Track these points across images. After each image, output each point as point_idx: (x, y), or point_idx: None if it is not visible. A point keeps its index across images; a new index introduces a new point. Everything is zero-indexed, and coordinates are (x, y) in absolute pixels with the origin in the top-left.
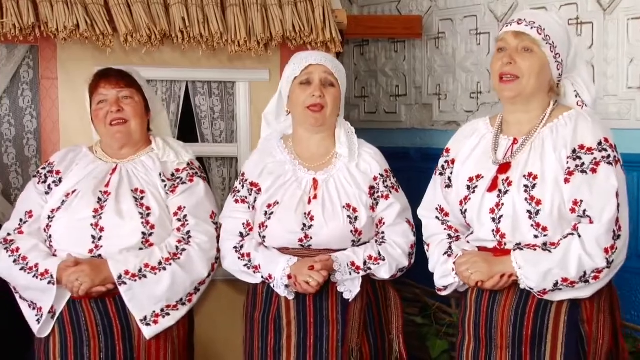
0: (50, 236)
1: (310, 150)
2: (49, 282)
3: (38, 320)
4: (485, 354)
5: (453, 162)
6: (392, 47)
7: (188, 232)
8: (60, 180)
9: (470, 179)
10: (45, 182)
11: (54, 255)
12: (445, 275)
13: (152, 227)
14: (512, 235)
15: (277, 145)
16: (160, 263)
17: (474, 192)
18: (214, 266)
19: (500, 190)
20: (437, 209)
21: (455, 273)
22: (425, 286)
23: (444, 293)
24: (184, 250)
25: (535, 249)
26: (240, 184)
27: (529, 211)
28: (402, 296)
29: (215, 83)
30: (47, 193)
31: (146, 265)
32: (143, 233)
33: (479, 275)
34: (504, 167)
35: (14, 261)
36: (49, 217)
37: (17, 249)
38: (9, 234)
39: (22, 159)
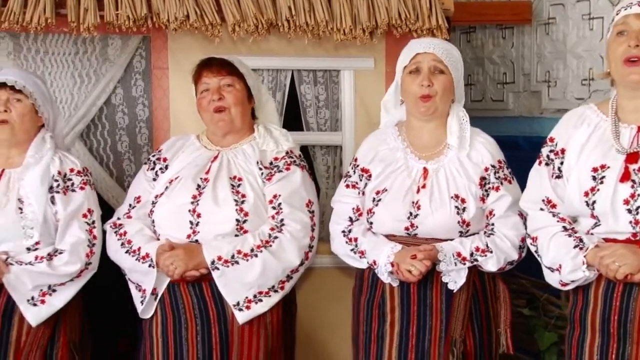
0: (153, 221)
1: (423, 139)
2: (149, 265)
3: (142, 302)
4: (618, 349)
5: (563, 151)
6: (500, 33)
7: (282, 220)
8: (166, 167)
9: (595, 169)
10: (153, 169)
11: (158, 239)
12: (575, 269)
13: (246, 214)
14: None
15: (391, 132)
16: (252, 250)
17: (602, 182)
18: (308, 255)
19: (634, 181)
20: (543, 200)
21: (586, 267)
22: (532, 277)
23: (567, 288)
24: (276, 237)
25: None
26: (352, 169)
27: None
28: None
29: (321, 71)
30: (154, 179)
31: (238, 252)
32: (237, 220)
33: (628, 268)
34: (633, 157)
35: (121, 244)
36: (153, 203)
37: (125, 233)
38: (118, 218)
39: (134, 146)
